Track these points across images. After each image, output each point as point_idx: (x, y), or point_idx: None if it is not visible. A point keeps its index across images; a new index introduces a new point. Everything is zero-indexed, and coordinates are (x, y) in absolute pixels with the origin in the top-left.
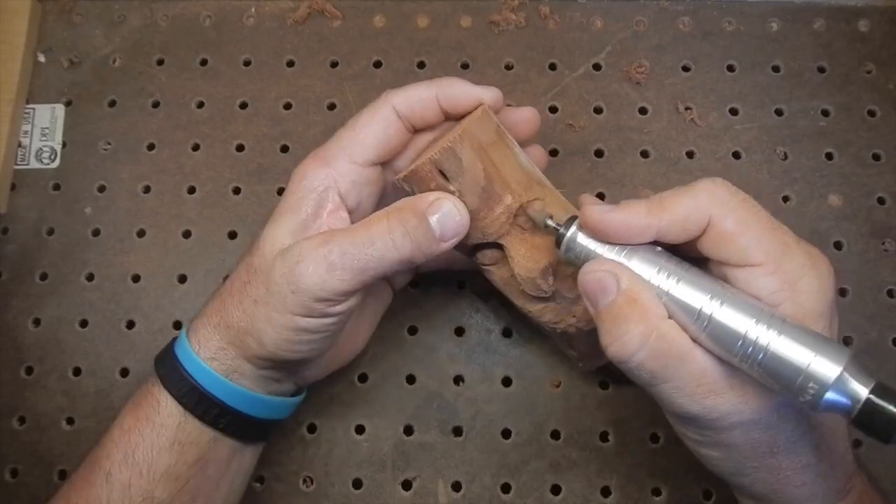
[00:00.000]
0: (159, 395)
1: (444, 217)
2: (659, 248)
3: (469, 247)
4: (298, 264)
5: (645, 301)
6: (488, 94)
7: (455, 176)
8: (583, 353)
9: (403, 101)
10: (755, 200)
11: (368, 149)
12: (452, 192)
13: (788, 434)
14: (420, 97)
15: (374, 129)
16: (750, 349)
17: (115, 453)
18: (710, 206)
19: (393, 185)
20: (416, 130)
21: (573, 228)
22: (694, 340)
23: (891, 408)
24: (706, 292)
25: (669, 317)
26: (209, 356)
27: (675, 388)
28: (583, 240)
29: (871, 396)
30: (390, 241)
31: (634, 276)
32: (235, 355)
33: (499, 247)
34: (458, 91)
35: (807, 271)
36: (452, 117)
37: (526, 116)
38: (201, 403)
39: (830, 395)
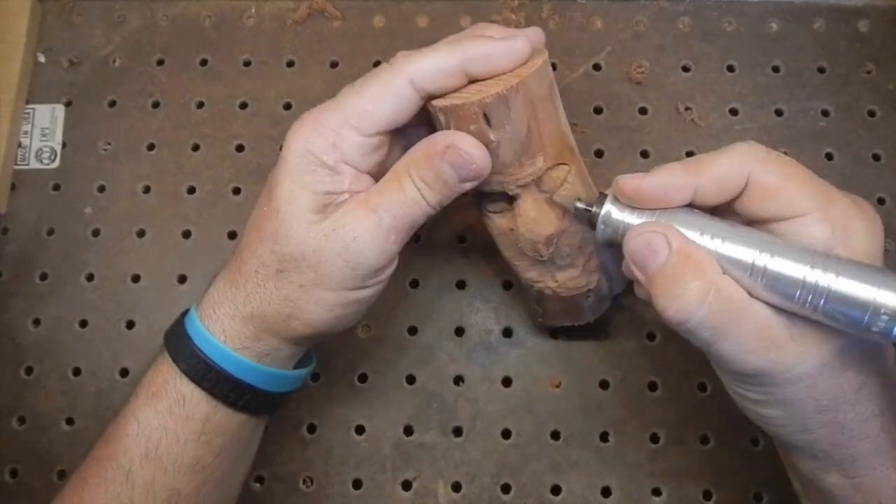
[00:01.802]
0: (182, 387)
1: (465, 159)
2: (697, 211)
3: (481, 192)
4: (355, 240)
5: (699, 257)
6: (516, 49)
7: (499, 125)
8: (548, 313)
9: (421, 77)
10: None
11: (378, 123)
12: (491, 141)
13: (852, 382)
14: (443, 69)
15: (386, 104)
16: (811, 295)
17: (134, 449)
18: (749, 162)
19: (419, 114)
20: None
21: (607, 205)
22: (751, 295)
23: None
24: (755, 246)
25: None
26: (240, 346)
27: (737, 344)
28: (617, 214)
29: None
30: (420, 195)
31: (684, 236)
32: (273, 340)
33: (510, 200)
34: (490, 57)
35: (855, 216)
36: (484, 79)
37: None
38: (233, 391)
39: None
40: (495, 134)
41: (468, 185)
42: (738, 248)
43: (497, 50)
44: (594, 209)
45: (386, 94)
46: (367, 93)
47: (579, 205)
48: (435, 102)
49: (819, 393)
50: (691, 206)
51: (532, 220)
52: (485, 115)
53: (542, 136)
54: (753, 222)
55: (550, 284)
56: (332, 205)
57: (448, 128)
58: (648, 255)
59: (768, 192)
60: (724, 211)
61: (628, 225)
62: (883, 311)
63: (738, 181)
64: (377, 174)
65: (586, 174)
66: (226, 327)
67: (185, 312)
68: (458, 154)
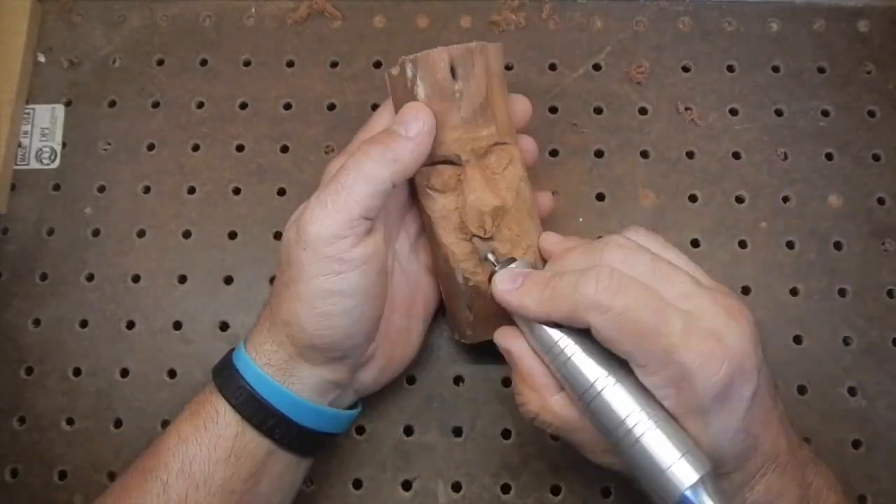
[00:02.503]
0: (217, 403)
1: (413, 118)
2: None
3: (429, 164)
4: (302, 215)
5: (534, 379)
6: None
7: (463, 77)
8: (478, 318)
9: (399, 174)
10: (643, 296)
11: (370, 210)
12: (454, 91)
13: None
14: (415, 164)
15: (365, 194)
16: (622, 441)
17: (172, 463)
18: (588, 313)
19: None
20: None
21: (504, 271)
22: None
23: None
24: (592, 374)
25: (563, 389)
26: (265, 362)
27: (578, 446)
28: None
29: None
30: (367, 159)
31: (524, 354)
32: (288, 355)
33: (456, 174)
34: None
35: (691, 372)
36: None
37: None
38: (259, 412)
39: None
40: (459, 84)
41: (418, 141)
42: (579, 370)
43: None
44: (497, 267)
45: (364, 187)
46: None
47: (490, 255)
48: (403, 58)
49: None
50: None
51: (482, 188)
52: (451, 66)
53: (496, 109)
54: None
55: (484, 280)
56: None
57: (412, 82)
58: (506, 356)
59: (604, 343)
60: None
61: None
62: (665, 490)
63: (581, 325)
64: (396, 213)
65: (522, 161)
66: (256, 342)
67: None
68: (409, 110)
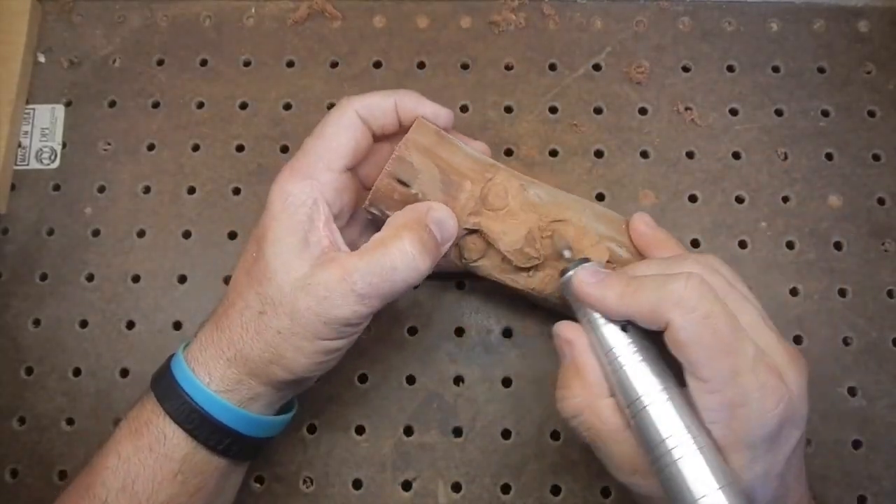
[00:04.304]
0: (164, 426)
1: (440, 222)
2: (631, 326)
3: (454, 246)
4: (326, 299)
5: (587, 377)
6: (441, 113)
7: (412, 179)
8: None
9: (364, 107)
10: (724, 311)
11: (343, 156)
12: (415, 195)
13: None
14: (379, 105)
15: (344, 136)
16: (658, 462)
17: (113, 482)
18: (672, 310)
19: (365, 213)
20: (376, 139)
21: (570, 273)
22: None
23: None
24: (646, 386)
25: (613, 394)
26: (224, 388)
27: (604, 457)
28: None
29: None
30: (412, 260)
31: (585, 350)
32: (255, 384)
33: (479, 237)
34: (413, 103)
35: (751, 400)
36: (405, 129)
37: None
38: (214, 434)
39: None
40: (415, 187)
41: (445, 248)
42: (633, 379)
43: (421, 99)
44: (570, 267)
45: (340, 129)
46: (325, 133)
47: (566, 253)
48: (364, 206)
49: None
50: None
51: (503, 232)
52: (398, 180)
53: (456, 167)
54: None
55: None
56: (312, 244)
57: (384, 216)
58: (558, 351)
59: (677, 345)
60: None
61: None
62: None
63: (659, 324)
64: (344, 218)
65: (518, 175)
66: (211, 370)
67: (173, 355)
68: (438, 212)
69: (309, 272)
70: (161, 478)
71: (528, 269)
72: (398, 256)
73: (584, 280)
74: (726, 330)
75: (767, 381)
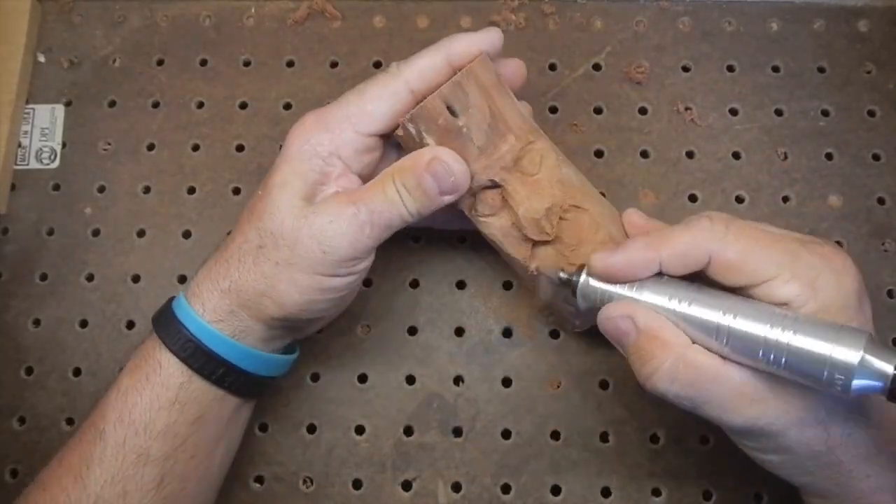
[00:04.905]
0: (160, 356)
1: (438, 175)
2: (666, 277)
3: (469, 196)
4: (331, 223)
5: (665, 335)
6: (490, 37)
7: (463, 111)
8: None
9: (416, 77)
10: (749, 221)
11: (374, 121)
12: (460, 128)
13: (842, 427)
14: (432, 66)
15: (384, 103)
16: (772, 354)
17: (111, 413)
18: (709, 241)
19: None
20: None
21: (583, 276)
22: (723, 357)
23: None
24: (718, 309)
25: (693, 342)
26: (216, 318)
27: (717, 407)
28: (595, 283)
29: None
30: (400, 199)
31: (649, 312)
32: (247, 317)
33: (499, 193)
34: (464, 47)
35: (821, 269)
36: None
37: (513, 67)
38: (208, 364)
39: (859, 381)
40: (462, 119)
41: (447, 199)
42: (704, 312)
43: (468, 37)
44: (574, 278)
45: (384, 95)
46: (367, 94)
47: (562, 275)
48: (402, 119)
49: (809, 439)
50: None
51: (527, 197)
52: (448, 106)
53: (506, 118)
54: (726, 288)
55: (571, 269)
56: (319, 195)
57: (419, 136)
58: (621, 336)
59: (731, 267)
60: (698, 276)
61: (604, 292)
62: (837, 371)
63: (698, 258)
64: (366, 177)
65: (557, 151)
66: (205, 301)
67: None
68: (440, 165)
69: (312, 207)
70: (158, 406)
71: (533, 243)
72: (391, 193)
73: (601, 261)
74: (763, 232)
75: (823, 250)
